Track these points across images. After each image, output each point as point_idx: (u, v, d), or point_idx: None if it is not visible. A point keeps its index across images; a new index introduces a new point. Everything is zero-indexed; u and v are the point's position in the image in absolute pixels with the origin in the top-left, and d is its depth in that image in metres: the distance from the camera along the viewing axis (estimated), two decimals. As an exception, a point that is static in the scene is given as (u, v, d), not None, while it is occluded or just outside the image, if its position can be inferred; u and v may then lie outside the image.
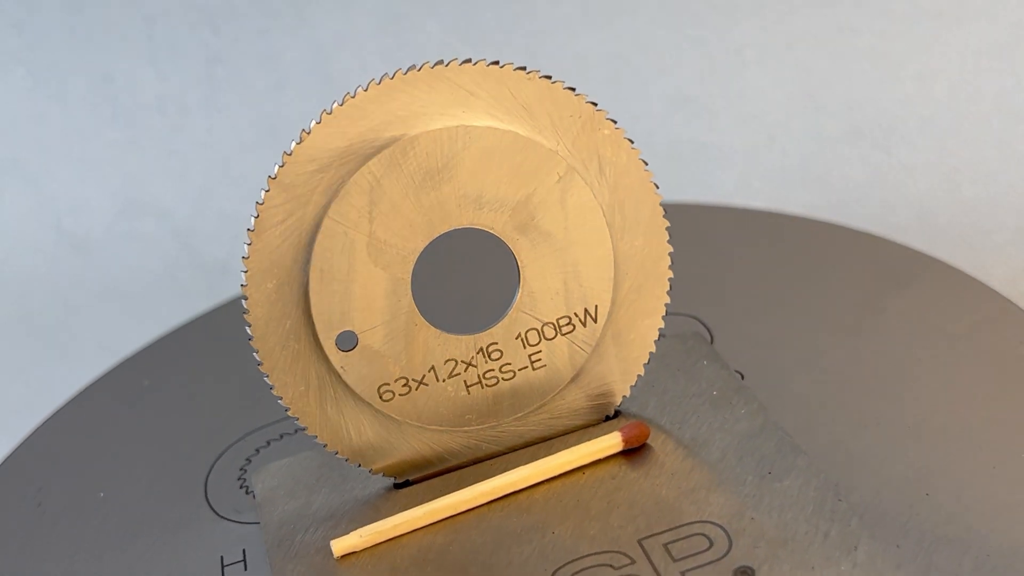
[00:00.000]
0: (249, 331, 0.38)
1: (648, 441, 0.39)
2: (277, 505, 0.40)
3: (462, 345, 0.39)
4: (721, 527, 0.36)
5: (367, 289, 0.38)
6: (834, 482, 0.37)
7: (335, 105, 0.37)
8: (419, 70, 0.37)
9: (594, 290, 0.40)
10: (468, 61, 0.37)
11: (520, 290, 0.39)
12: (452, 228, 0.38)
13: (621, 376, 0.41)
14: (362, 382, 0.39)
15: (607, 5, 0.87)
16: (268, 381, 0.38)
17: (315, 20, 0.89)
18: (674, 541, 0.35)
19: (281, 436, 0.47)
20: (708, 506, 0.36)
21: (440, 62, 0.37)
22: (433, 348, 0.39)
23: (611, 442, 0.39)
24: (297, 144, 0.37)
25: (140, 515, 0.44)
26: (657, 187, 0.39)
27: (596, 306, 0.40)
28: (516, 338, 0.40)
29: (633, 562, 0.35)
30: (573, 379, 0.40)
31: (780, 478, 0.37)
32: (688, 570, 0.34)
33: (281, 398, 0.39)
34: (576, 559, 0.36)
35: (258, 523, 0.41)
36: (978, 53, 0.81)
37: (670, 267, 0.40)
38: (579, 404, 0.41)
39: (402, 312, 0.38)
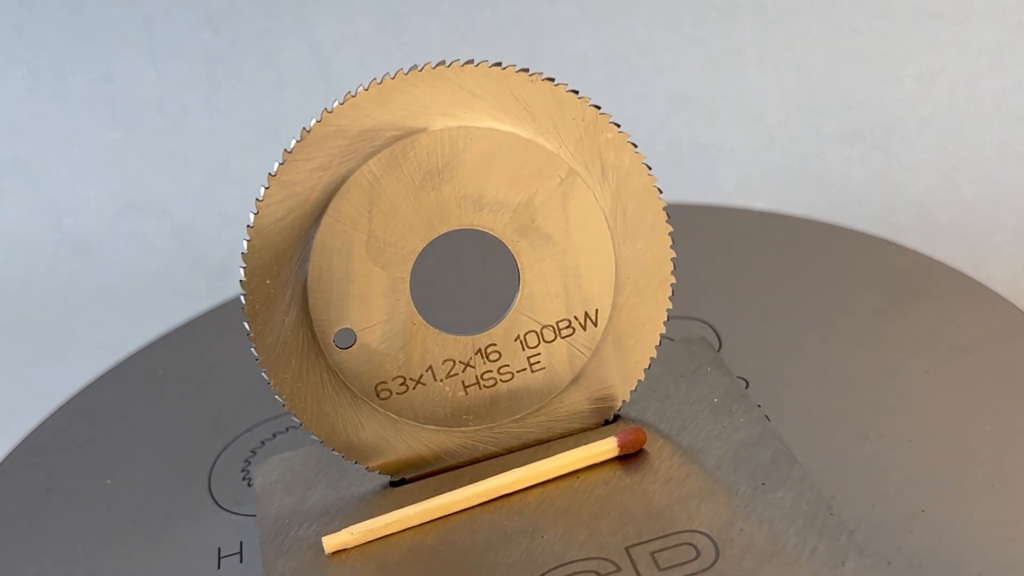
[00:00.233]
0: (247, 327, 0.38)
1: (645, 447, 0.39)
2: (274, 499, 0.40)
3: (460, 346, 0.39)
4: (710, 537, 0.35)
5: (366, 288, 0.38)
6: (827, 495, 0.37)
7: (336, 104, 0.37)
8: (420, 70, 0.37)
9: (595, 294, 0.39)
10: (470, 62, 0.37)
11: (520, 292, 0.39)
12: (452, 229, 0.38)
13: (621, 381, 0.41)
14: (359, 380, 0.39)
15: (607, 5, 0.87)
16: (266, 377, 0.38)
17: (315, 20, 0.89)
18: (662, 550, 0.35)
19: (287, 429, 0.47)
20: (699, 515, 0.36)
21: (442, 63, 0.37)
22: (431, 348, 0.39)
23: (606, 447, 0.39)
24: (297, 142, 0.37)
25: (143, 503, 0.45)
26: (660, 192, 0.39)
27: (596, 310, 0.40)
28: (515, 340, 0.39)
29: (619, 569, 0.35)
30: (572, 383, 0.40)
31: (773, 489, 0.37)
32: (673, 580, 0.34)
33: (279, 394, 0.39)
34: (563, 564, 0.35)
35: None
36: (978, 53, 0.80)
37: (673, 272, 0.40)
38: (578, 408, 0.41)
39: (401, 311, 0.38)
